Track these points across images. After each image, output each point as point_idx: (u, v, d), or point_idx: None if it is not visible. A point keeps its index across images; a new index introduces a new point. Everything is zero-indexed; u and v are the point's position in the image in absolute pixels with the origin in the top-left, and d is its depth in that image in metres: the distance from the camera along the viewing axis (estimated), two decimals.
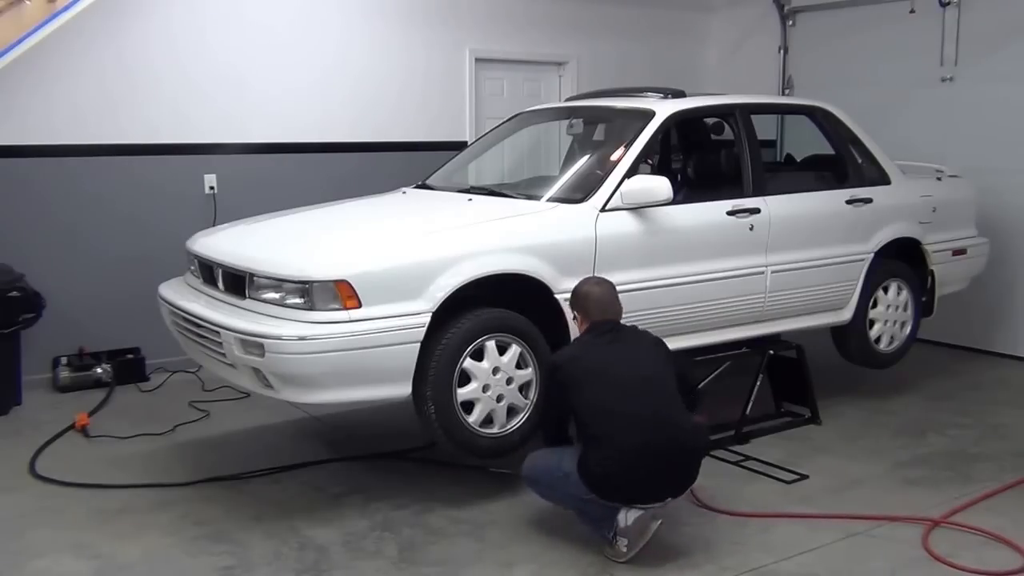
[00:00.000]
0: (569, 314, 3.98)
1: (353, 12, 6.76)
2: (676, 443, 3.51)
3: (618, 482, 3.48)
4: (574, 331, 3.98)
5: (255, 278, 3.93)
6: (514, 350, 4.05)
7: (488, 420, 4.03)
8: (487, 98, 7.45)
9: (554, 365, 3.73)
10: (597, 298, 3.78)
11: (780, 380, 5.35)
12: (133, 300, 5.73)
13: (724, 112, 5.24)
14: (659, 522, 3.54)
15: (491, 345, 3.99)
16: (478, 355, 3.97)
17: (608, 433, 3.48)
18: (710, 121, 5.56)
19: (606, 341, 3.69)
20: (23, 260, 5.64)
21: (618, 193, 4.39)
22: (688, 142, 5.70)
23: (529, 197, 4.60)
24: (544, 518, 3.93)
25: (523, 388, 4.10)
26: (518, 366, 4.07)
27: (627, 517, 3.52)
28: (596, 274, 4.25)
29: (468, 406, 3.97)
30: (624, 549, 3.54)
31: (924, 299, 5.76)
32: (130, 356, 6.05)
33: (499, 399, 4.02)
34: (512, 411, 4.08)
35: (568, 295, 4.00)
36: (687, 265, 4.60)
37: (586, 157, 5.04)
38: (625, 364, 3.62)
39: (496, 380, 4.01)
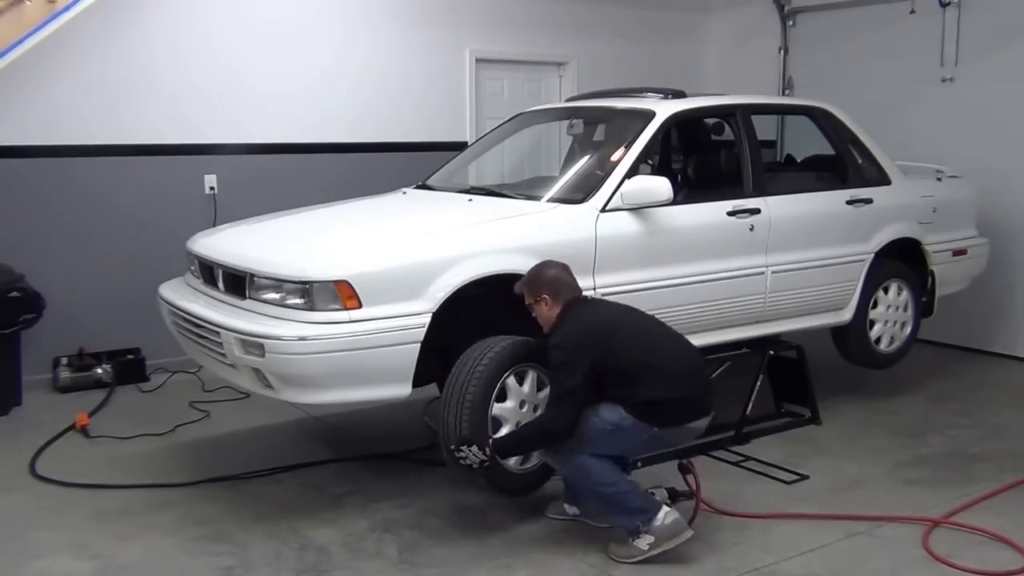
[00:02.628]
0: (542, 308, 3.76)
1: (353, 13, 6.76)
2: (699, 362, 3.86)
3: (675, 402, 3.59)
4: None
5: (255, 278, 3.92)
6: (531, 377, 3.90)
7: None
8: (487, 98, 7.45)
9: (569, 336, 3.60)
10: (568, 279, 3.79)
11: (780, 380, 5.35)
12: (133, 300, 5.73)
13: (724, 112, 5.24)
14: (691, 533, 3.59)
15: (512, 382, 3.83)
16: (501, 396, 3.82)
17: (653, 363, 3.60)
18: (710, 121, 5.56)
19: (597, 305, 3.83)
20: (23, 260, 5.64)
21: (618, 193, 4.39)
22: (688, 142, 5.70)
23: (529, 197, 4.60)
24: (544, 520, 3.92)
25: None
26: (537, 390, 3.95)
27: (666, 516, 3.56)
28: (596, 274, 4.27)
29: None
30: (645, 547, 3.55)
31: (924, 299, 5.76)
32: (130, 356, 6.05)
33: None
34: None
35: None
36: (687, 265, 4.60)
37: (586, 157, 5.04)
38: (629, 312, 3.86)
39: (524, 414, 3.86)
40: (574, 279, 3.81)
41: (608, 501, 3.63)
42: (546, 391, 3.85)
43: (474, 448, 3.56)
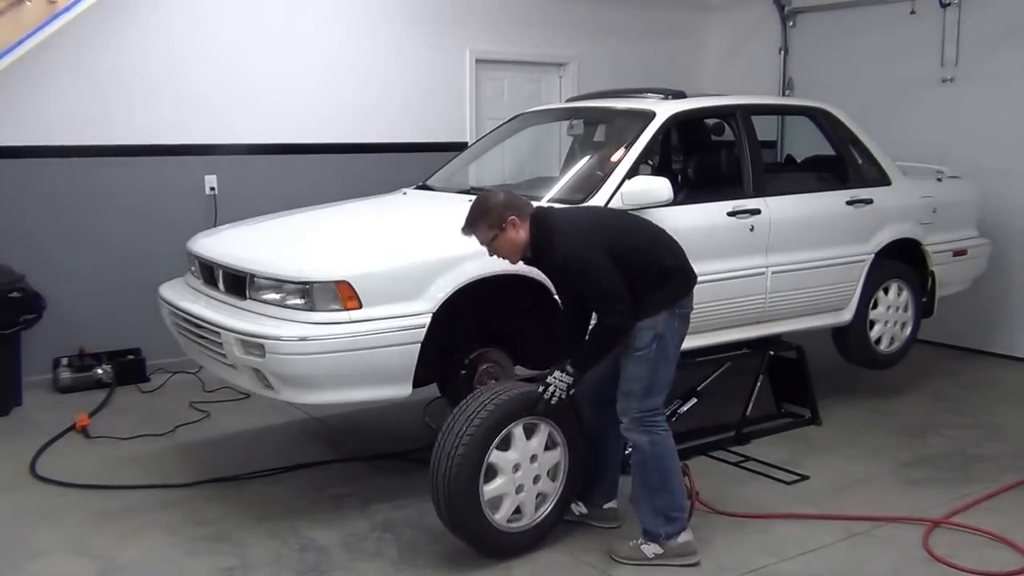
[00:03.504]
0: (510, 233, 3.47)
1: (354, 13, 6.76)
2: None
3: (681, 268, 3.62)
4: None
5: (255, 279, 3.93)
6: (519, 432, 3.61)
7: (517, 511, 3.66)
8: (488, 99, 7.45)
9: (574, 240, 3.45)
10: (518, 195, 3.58)
11: (780, 381, 5.36)
12: (134, 301, 5.73)
13: (725, 113, 5.24)
14: (698, 559, 3.60)
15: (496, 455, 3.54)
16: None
17: (648, 237, 3.62)
18: (711, 122, 5.56)
19: (564, 208, 3.77)
20: (24, 261, 5.64)
21: (619, 194, 4.39)
22: (689, 143, 5.70)
23: (530, 198, 4.56)
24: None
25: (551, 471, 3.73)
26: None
27: (684, 535, 3.60)
28: None
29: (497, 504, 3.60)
30: (650, 555, 3.56)
31: (924, 300, 5.76)
32: (131, 357, 6.05)
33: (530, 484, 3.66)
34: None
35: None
36: None
37: (587, 158, 5.04)
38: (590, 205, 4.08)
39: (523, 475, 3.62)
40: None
41: (656, 495, 3.57)
42: (538, 436, 3.62)
43: (556, 374, 3.50)
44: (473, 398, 3.58)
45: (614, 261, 3.43)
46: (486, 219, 3.47)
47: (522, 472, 3.59)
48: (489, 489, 3.52)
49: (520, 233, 3.47)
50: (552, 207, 3.70)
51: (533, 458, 3.62)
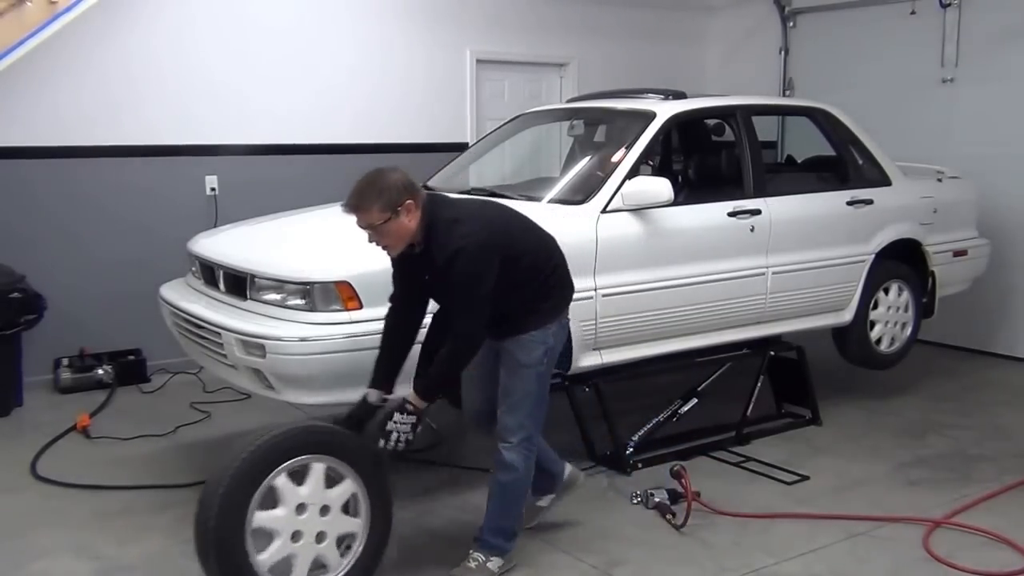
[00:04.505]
0: (403, 219, 3.09)
1: (354, 14, 6.76)
2: None
3: (565, 268, 3.50)
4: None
5: (256, 279, 3.93)
6: (318, 470, 3.15)
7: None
8: (488, 99, 7.46)
9: (476, 238, 3.13)
10: (411, 177, 3.19)
11: (781, 381, 5.36)
12: (134, 301, 5.73)
13: (725, 113, 5.24)
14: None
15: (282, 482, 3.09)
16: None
17: (541, 238, 3.46)
18: (711, 122, 5.56)
19: (460, 200, 3.42)
20: (24, 261, 5.64)
21: (619, 194, 4.39)
22: (689, 143, 5.70)
23: (530, 198, 4.59)
24: (544, 520, 3.92)
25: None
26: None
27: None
28: (597, 275, 4.25)
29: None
30: (495, 569, 3.46)
31: (925, 300, 5.76)
32: (131, 357, 6.06)
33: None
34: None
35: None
36: (688, 266, 4.60)
37: (587, 158, 5.04)
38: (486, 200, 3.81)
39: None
40: None
41: (508, 517, 3.47)
42: (340, 488, 3.18)
43: (396, 417, 3.15)
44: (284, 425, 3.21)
45: (509, 263, 3.20)
46: (382, 199, 3.04)
47: (307, 516, 3.10)
48: (262, 517, 3.02)
49: (412, 221, 3.11)
50: (445, 195, 3.40)
51: (325, 509, 3.14)
